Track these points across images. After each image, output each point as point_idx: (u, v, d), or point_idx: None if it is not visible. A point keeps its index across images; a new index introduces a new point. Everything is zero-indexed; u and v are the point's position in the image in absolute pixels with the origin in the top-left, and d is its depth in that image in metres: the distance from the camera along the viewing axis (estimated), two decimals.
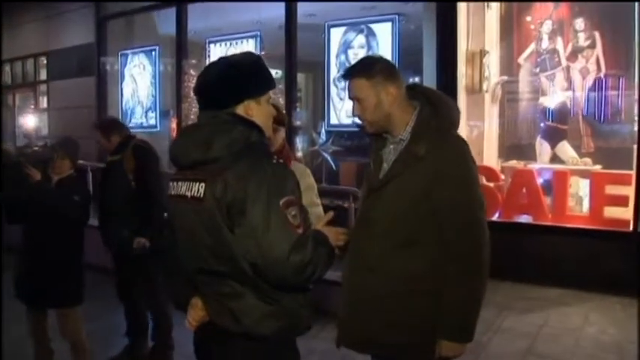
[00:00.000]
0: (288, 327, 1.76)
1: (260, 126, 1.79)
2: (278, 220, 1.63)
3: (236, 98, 1.78)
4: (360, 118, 2.13)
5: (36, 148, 3.89)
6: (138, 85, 8.51)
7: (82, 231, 3.53)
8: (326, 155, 7.02)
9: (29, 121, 10.46)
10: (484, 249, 1.99)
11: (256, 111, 1.80)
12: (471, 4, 5.96)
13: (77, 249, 3.49)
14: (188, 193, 1.74)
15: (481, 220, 2.01)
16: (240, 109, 1.78)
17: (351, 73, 2.09)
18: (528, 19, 5.96)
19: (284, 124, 2.60)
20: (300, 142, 7.31)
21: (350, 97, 2.12)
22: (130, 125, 8.29)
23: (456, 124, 2.13)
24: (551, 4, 5.77)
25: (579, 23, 5.65)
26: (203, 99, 1.84)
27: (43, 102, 10.21)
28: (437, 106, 2.09)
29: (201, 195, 1.69)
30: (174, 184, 1.82)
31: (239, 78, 1.79)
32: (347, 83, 2.12)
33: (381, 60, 2.13)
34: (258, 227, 1.63)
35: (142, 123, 8.48)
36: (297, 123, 7.15)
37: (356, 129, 6.55)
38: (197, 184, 1.71)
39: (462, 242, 1.97)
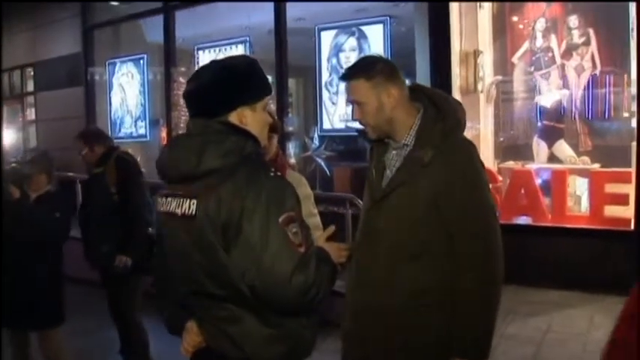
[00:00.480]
0: (292, 351, 1.65)
1: (255, 135, 1.68)
2: (278, 238, 1.53)
3: (229, 105, 1.67)
4: (361, 123, 2.01)
5: (13, 165, 3.76)
6: (126, 94, 8.41)
7: (61, 248, 3.41)
8: (319, 161, 6.92)
9: (9, 135, 10.27)
10: (498, 257, 1.89)
11: (251, 119, 1.69)
12: (463, 4, 5.89)
13: (56, 267, 3.37)
14: (178, 211, 1.63)
15: (494, 226, 1.91)
16: (233, 117, 1.67)
17: (350, 74, 1.98)
18: (521, 17, 5.89)
19: (277, 131, 2.50)
20: (292, 148, 7.22)
21: (349, 101, 2.01)
22: (120, 135, 8.31)
23: (462, 125, 2.02)
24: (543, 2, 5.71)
25: (573, 20, 5.58)
26: (193, 106, 1.72)
27: (31, 114, 10.08)
28: (441, 107, 1.97)
29: (193, 213, 1.59)
30: (163, 200, 1.70)
31: (233, 83, 1.68)
32: (345, 85, 2.01)
33: (381, 59, 2.03)
34: (256, 247, 1.53)
35: (131, 133, 8.38)
36: (290, 129, 7.06)
37: (350, 133, 6.61)
38: (188, 200, 1.61)
39: (475, 251, 1.86)
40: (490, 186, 2.07)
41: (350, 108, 2.05)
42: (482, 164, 1.98)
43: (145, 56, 8.23)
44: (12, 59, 9.94)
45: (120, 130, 8.43)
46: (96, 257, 3.77)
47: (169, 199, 1.67)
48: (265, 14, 6.82)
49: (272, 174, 1.62)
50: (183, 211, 1.61)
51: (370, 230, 2.00)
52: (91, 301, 3.80)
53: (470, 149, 1.96)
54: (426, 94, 2.03)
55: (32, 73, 9.88)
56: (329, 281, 1.65)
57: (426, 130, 1.95)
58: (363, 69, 1.97)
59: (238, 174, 1.57)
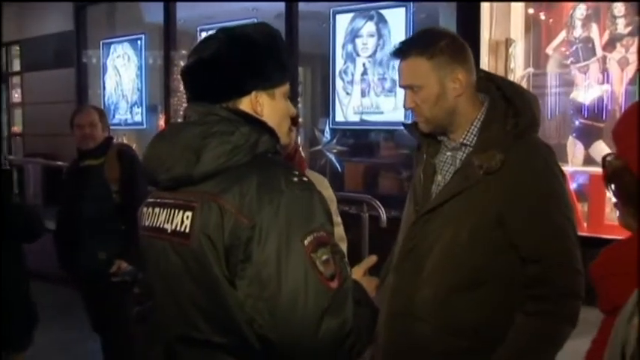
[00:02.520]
0: None
1: (272, 128, 1.34)
2: (301, 269, 1.19)
3: (241, 88, 1.34)
4: (414, 113, 1.68)
5: None
6: (122, 77, 8.03)
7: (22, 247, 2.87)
8: (330, 156, 6.48)
9: None
10: (575, 292, 1.58)
11: (269, 108, 1.36)
12: None
13: (19, 279, 2.82)
14: (168, 226, 1.29)
15: (573, 253, 1.57)
16: (244, 104, 1.34)
17: (406, 49, 1.65)
18: (558, 4, 5.46)
19: (297, 124, 2.22)
20: (301, 141, 6.77)
21: (401, 85, 1.67)
22: (114, 122, 7.87)
23: (536, 124, 1.68)
24: None
25: (618, 7, 5.13)
26: (194, 86, 1.36)
27: (17, 96, 9.68)
28: (513, 101, 1.63)
29: (187, 229, 1.25)
30: (149, 210, 1.37)
31: (248, 59, 1.34)
32: (398, 65, 1.67)
33: (447, 34, 1.69)
34: (270, 281, 1.18)
35: (126, 119, 8.01)
36: (300, 120, 6.62)
37: (366, 127, 6.25)
38: (181, 212, 1.27)
39: (544, 280, 1.57)
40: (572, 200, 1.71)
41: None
42: (562, 173, 1.66)
43: (143, 37, 7.87)
44: None
45: (114, 116, 8.04)
46: (88, 266, 3.24)
47: (156, 209, 1.35)
48: None
49: (295, 179, 1.27)
50: (174, 226, 1.28)
51: (412, 250, 1.72)
52: (72, 305, 3.30)
53: (546, 154, 1.68)
54: (496, 84, 1.69)
55: (19, 52, 9.47)
56: (370, 328, 1.32)
57: (493, 127, 1.63)
58: (424, 45, 1.63)
59: (249, 179, 1.24)
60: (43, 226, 3.00)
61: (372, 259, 1.50)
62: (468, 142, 1.67)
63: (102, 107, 7.93)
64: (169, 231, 1.29)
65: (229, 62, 1.33)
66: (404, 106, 1.73)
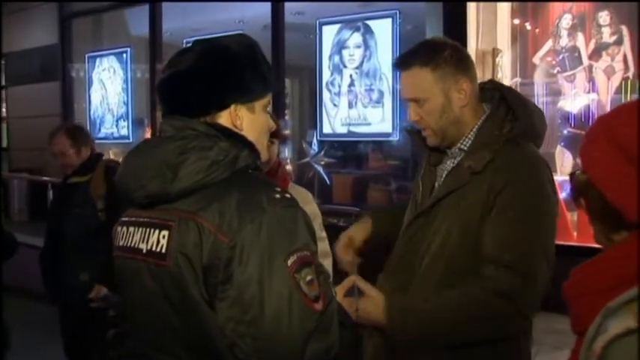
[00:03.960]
0: None
1: (252, 143, 1.31)
2: (285, 290, 1.14)
3: (219, 101, 1.30)
4: (419, 125, 1.64)
5: None
6: (107, 91, 7.97)
7: None
8: (318, 168, 6.42)
9: None
10: (529, 307, 1.54)
11: (248, 121, 1.32)
12: None
13: None
14: (143, 246, 1.24)
15: (539, 267, 1.52)
16: (223, 118, 1.30)
17: (408, 61, 1.60)
18: (544, 13, 5.47)
19: (279, 137, 2.18)
20: (288, 154, 6.73)
21: (404, 97, 1.63)
22: (100, 135, 7.83)
23: (534, 133, 1.64)
24: None
25: (603, 17, 5.14)
26: (170, 100, 1.30)
27: (1, 110, 9.54)
28: (514, 108, 1.59)
29: (164, 249, 1.20)
30: (123, 229, 1.32)
31: (226, 71, 1.30)
32: (401, 77, 1.62)
33: (449, 43, 1.63)
34: (252, 304, 1.12)
35: (112, 133, 7.93)
36: (286, 132, 6.58)
37: (354, 139, 6.21)
38: (157, 231, 1.22)
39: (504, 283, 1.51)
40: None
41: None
42: (555, 190, 1.60)
43: (129, 50, 7.82)
44: None
45: (100, 130, 7.97)
46: (69, 285, 3.13)
47: (131, 228, 1.29)
48: (261, 7, 6.40)
49: (277, 195, 1.22)
50: (149, 246, 1.23)
51: (407, 253, 1.69)
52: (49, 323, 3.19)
53: (536, 164, 1.59)
54: (501, 93, 1.67)
55: (3, 65, 9.31)
56: (350, 351, 1.28)
57: (488, 131, 1.60)
58: (427, 56, 1.59)
59: (228, 196, 1.19)
60: (16, 246, 2.90)
61: (350, 280, 1.45)
62: (464, 147, 1.65)
63: (86, 121, 7.94)
64: (145, 251, 1.24)
65: (207, 75, 1.28)
66: (408, 119, 1.69)
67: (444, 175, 1.70)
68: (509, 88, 1.74)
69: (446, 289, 1.58)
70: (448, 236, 1.59)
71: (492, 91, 1.68)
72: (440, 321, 1.53)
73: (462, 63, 1.61)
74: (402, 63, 1.63)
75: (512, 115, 1.61)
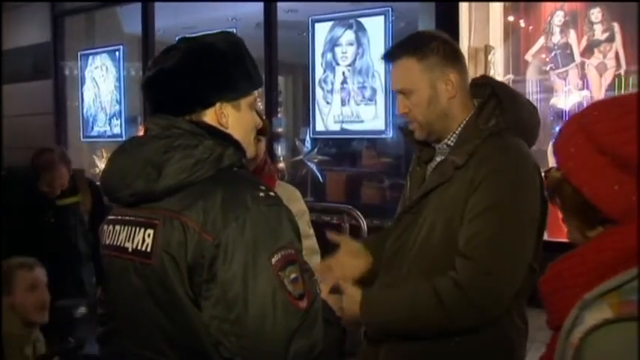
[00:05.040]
0: None
1: (238, 141, 1.30)
2: (269, 288, 1.14)
3: (204, 99, 1.31)
4: (407, 118, 1.63)
5: None
6: (100, 89, 7.93)
7: None
8: (311, 165, 6.40)
9: None
10: (495, 299, 1.51)
11: (233, 119, 1.32)
12: None
13: None
14: (129, 245, 1.24)
15: (503, 258, 1.50)
16: (209, 116, 1.30)
17: (396, 52, 1.61)
18: (536, 11, 5.47)
19: (265, 134, 2.17)
20: (281, 151, 6.71)
21: (394, 89, 1.64)
22: (92, 134, 7.84)
23: (522, 127, 1.61)
24: None
25: (595, 14, 5.14)
26: (155, 98, 1.30)
27: None
28: (502, 102, 1.58)
29: (149, 248, 1.20)
30: (109, 228, 1.32)
31: (210, 69, 1.30)
32: (390, 68, 1.64)
33: (437, 36, 1.63)
34: (236, 302, 1.12)
35: (105, 131, 7.88)
36: (279, 130, 6.56)
37: (347, 136, 6.19)
38: (142, 230, 1.22)
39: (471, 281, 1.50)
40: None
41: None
42: (541, 184, 1.56)
43: (121, 48, 7.77)
44: None
45: (92, 128, 7.94)
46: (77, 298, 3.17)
47: (117, 227, 1.29)
48: (253, 5, 6.38)
49: (262, 194, 1.22)
50: (135, 245, 1.23)
51: (398, 251, 1.68)
52: None
53: (517, 157, 1.56)
54: (492, 88, 1.65)
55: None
56: (336, 348, 1.28)
57: (474, 126, 1.59)
58: (414, 46, 1.59)
59: (213, 194, 1.19)
60: None
61: (334, 278, 1.48)
62: (451, 143, 1.64)
63: (79, 119, 7.94)
64: (130, 250, 1.24)
65: (192, 73, 1.28)
66: (397, 112, 1.69)
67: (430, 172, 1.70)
68: (501, 83, 1.73)
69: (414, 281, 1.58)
70: (432, 231, 1.58)
71: (484, 86, 1.67)
72: (397, 307, 1.52)
73: (450, 55, 1.60)
74: (390, 54, 1.64)
75: (500, 109, 1.60)
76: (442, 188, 1.59)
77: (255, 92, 1.39)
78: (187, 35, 1.42)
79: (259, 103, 5.99)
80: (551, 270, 1.04)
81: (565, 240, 3.96)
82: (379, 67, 5.48)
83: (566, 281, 0.98)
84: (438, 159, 1.68)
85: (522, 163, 1.57)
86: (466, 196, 1.54)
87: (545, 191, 1.43)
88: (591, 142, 0.97)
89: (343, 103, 5.79)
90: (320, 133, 6.12)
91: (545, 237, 5.30)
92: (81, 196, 3.28)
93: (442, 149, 1.67)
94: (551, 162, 4.80)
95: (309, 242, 2.16)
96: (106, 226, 1.34)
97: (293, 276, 1.16)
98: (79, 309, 2.93)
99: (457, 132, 1.64)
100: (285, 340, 1.13)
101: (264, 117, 2.10)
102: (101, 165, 7.36)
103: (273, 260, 1.15)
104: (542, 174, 1.27)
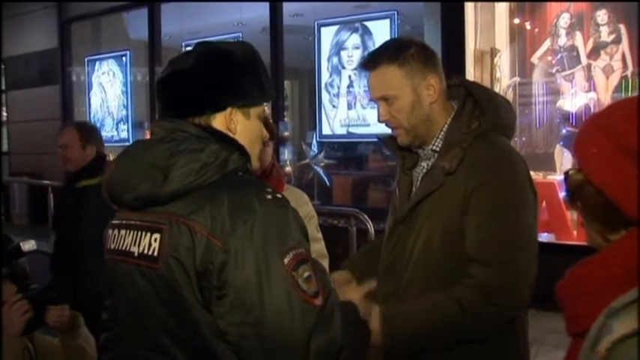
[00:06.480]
0: None
1: (243, 146, 1.29)
2: (284, 288, 1.12)
3: (217, 102, 1.29)
4: (390, 125, 1.61)
5: None
6: (107, 94, 7.96)
7: None
8: (318, 169, 6.41)
9: None
10: (507, 303, 1.49)
11: (242, 126, 1.31)
12: None
13: None
14: (135, 249, 1.22)
15: (520, 261, 1.49)
16: (218, 120, 1.29)
17: (375, 60, 1.58)
18: (542, 13, 5.48)
19: (273, 138, 2.14)
20: (287, 155, 6.72)
21: (373, 98, 1.61)
22: None
23: (503, 125, 1.63)
24: None
25: (602, 16, 5.13)
26: (167, 98, 1.29)
27: (1, 115, 9.45)
28: (480, 103, 1.58)
29: (155, 252, 1.18)
30: (114, 232, 1.29)
31: (225, 74, 1.28)
32: (369, 77, 1.63)
33: (414, 42, 1.61)
34: (253, 304, 1.11)
35: (112, 136, 7.90)
36: (285, 134, 6.56)
37: (353, 139, 6.20)
38: (148, 234, 1.20)
39: (474, 276, 1.49)
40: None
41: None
42: (530, 182, 1.57)
43: (128, 53, 7.81)
44: None
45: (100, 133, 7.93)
46: (87, 292, 3.10)
47: (122, 231, 1.27)
48: (259, 9, 6.37)
49: (269, 196, 1.20)
50: (141, 249, 1.21)
51: (393, 264, 1.66)
52: None
53: (506, 158, 1.58)
54: (467, 88, 1.64)
55: (2, 70, 9.27)
56: (361, 348, 1.28)
57: (457, 130, 1.60)
58: (394, 53, 1.57)
59: (219, 199, 1.17)
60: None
61: (372, 284, 1.46)
62: (437, 148, 1.63)
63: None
64: (136, 254, 1.21)
65: (207, 75, 1.27)
66: (378, 120, 1.65)
67: (419, 179, 1.68)
68: (474, 83, 1.71)
69: (432, 293, 1.55)
70: (430, 240, 1.57)
71: (458, 87, 1.66)
72: (424, 321, 1.51)
73: (429, 59, 1.59)
74: (369, 62, 1.60)
75: (479, 111, 1.60)
76: (434, 195, 1.58)
77: (266, 105, 1.40)
78: (197, 40, 1.42)
79: (266, 108, 6.02)
80: (570, 275, 1.01)
81: (574, 243, 3.88)
82: None
83: (587, 286, 0.96)
84: (424, 164, 1.67)
85: (513, 161, 1.58)
86: (462, 201, 1.53)
87: (565, 193, 1.41)
88: (613, 142, 0.95)
89: (349, 106, 5.79)
90: (326, 136, 6.13)
91: (553, 240, 5.24)
92: (100, 180, 3.11)
93: (427, 154, 1.66)
94: (558, 164, 4.79)
95: (318, 246, 2.14)
96: (110, 231, 1.32)
97: (306, 274, 1.15)
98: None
99: (440, 136, 1.64)
100: (304, 338, 1.12)
101: (271, 122, 2.10)
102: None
103: (286, 260, 1.14)
104: (562, 176, 1.25)
